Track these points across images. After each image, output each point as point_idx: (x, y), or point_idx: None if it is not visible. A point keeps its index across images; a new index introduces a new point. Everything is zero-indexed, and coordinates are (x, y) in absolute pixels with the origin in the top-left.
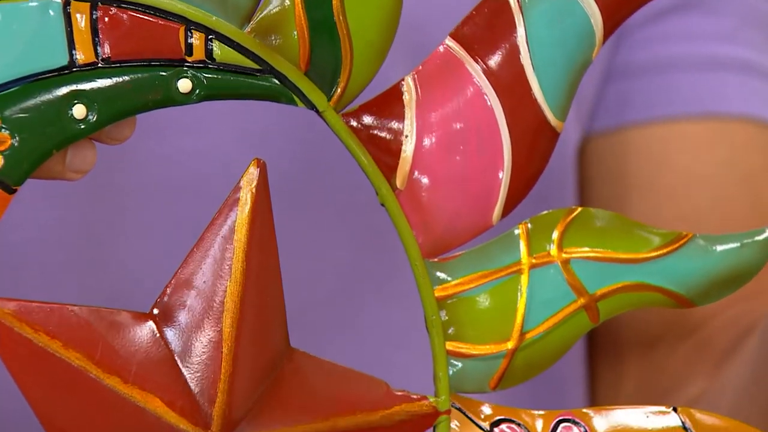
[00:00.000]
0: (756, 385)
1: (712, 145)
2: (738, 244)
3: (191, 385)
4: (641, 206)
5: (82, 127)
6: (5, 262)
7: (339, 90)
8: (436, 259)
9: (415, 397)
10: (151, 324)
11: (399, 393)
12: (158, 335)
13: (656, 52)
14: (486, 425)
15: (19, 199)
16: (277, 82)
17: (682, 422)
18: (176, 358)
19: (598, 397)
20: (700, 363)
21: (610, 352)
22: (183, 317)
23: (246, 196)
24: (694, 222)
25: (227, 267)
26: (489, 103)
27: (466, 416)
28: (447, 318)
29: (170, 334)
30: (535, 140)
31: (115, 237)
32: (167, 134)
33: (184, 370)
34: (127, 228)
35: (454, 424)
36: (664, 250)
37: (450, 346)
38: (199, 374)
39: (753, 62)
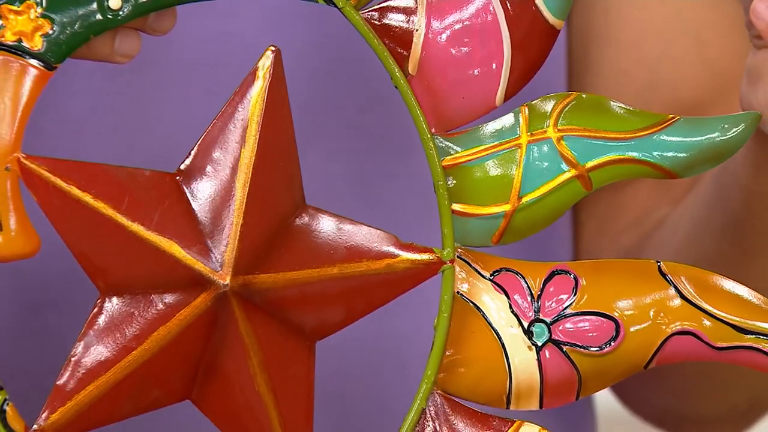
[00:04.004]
0: (708, 214)
1: (662, 0)
2: (721, 127)
3: (206, 234)
4: (600, 57)
5: (115, 17)
6: (67, 127)
7: None
8: (443, 134)
9: (421, 247)
10: (175, 181)
11: (406, 244)
12: (181, 191)
13: None
14: (487, 274)
15: (78, 72)
16: None
17: (667, 276)
18: (195, 210)
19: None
20: (663, 195)
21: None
22: (203, 177)
23: (260, 77)
24: (647, 70)
25: (242, 135)
26: (492, 9)
27: (469, 265)
28: (454, 183)
29: (191, 190)
30: (532, 38)
31: (158, 105)
32: (204, 17)
33: (201, 221)
34: (168, 98)
35: (458, 272)
36: (651, 130)
37: (455, 206)
38: (213, 225)
39: None
